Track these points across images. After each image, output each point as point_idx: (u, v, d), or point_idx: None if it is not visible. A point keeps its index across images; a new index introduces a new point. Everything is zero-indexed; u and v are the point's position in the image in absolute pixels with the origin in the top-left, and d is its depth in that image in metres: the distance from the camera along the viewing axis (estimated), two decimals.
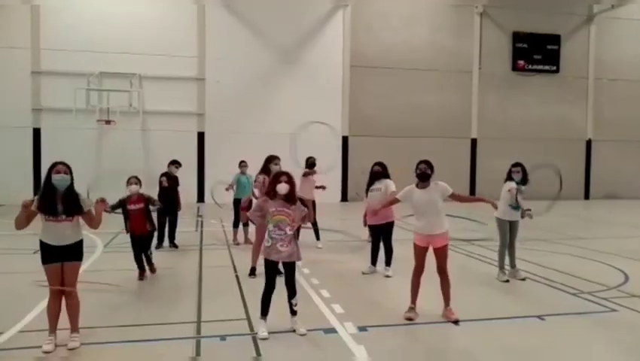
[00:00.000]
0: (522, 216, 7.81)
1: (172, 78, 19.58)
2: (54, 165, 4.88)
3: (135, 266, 7.65)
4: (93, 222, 5.02)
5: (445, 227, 5.86)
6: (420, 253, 5.94)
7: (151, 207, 7.89)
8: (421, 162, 5.94)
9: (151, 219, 7.84)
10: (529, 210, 7.44)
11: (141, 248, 7.63)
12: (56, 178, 4.80)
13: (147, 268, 7.78)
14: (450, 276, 5.98)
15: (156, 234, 8.95)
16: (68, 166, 4.91)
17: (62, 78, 18.45)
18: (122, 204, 7.57)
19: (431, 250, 5.92)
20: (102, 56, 18.74)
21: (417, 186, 5.93)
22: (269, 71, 20.52)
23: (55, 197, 4.80)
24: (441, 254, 5.88)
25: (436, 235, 5.81)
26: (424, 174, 5.87)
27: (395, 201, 6.40)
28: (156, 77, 19.35)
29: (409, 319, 5.78)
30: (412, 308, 5.90)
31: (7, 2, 18.35)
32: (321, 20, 21.09)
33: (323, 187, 10.54)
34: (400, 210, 7.90)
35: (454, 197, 6.03)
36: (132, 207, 7.55)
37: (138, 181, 7.68)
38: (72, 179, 4.90)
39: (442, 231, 5.83)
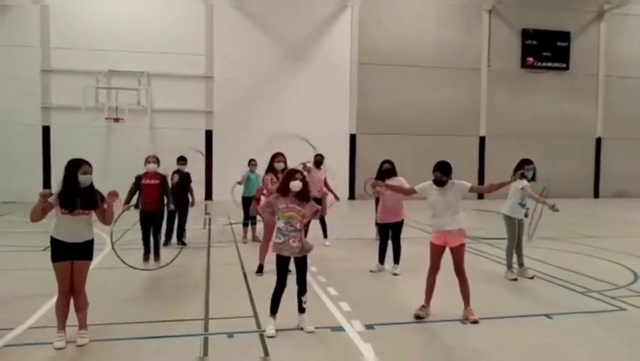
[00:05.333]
0: (526, 215, 7.77)
1: (180, 76, 19.66)
2: (79, 164, 4.89)
3: (140, 263, 7.66)
4: (106, 217, 5.04)
5: (461, 225, 5.79)
6: (436, 252, 5.86)
7: (167, 206, 7.93)
8: (437, 167, 5.81)
9: (169, 198, 7.81)
10: (554, 204, 7.34)
11: (150, 227, 7.55)
12: (83, 178, 4.86)
13: (152, 252, 7.71)
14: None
15: (164, 231, 8.98)
16: (90, 165, 4.99)
17: (71, 76, 18.58)
18: (137, 180, 7.56)
19: (447, 251, 5.85)
20: (111, 54, 18.85)
21: (435, 183, 5.86)
22: (277, 69, 20.53)
23: (77, 193, 4.85)
24: (458, 254, 5.79)
25: (451, 232, 5.74)
26: (439, 182, 5.79)
27: (412, 191, 6.21)
28: (165, 75, 19.44)
29: (418, 317, 5.73)
30: (424, 307, 5.84)
31: (17, 2, 18.47)
32: (329, 17, 21.07)
33: (335, 196, 10.46)
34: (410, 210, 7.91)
35: (474, 190, 5.96)
36: (146, 181, 7.54)
37: (157, 160, 7.74)
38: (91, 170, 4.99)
39: (458, 227, 5.76)
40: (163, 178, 7.73)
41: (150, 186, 7.56)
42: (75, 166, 4.89)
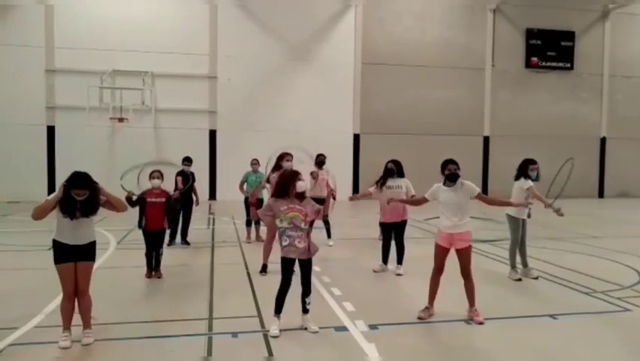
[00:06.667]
0: (529, 216, 7.74)
1: (184, 76, 19.69)
2: (74, 184, 4.74)
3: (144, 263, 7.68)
4: (116, 207, 5.02)
5: (468, 227, 5.78)
6: (440, 253, 5.85)
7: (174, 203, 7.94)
8: (449, 162, 5.82)
9: (170, 215, 7.80)
10: (559, 208, 7.28)
11: (153, 245, 7.60)
12: (77, 198, 4.77)
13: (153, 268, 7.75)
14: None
15: (168, 230, 8.99)
16: (87, 181, 4.79)
17: (75, 76, 18.63)
18: (141, 197, 7.51)
19: (453, 253, 5.84)
20: (115, 54, 18.90)
21: (444, 184, 5.87)
22: (280, 69, 20.55)
23: (75, 205, 4.79)
24: (464, 257, 5.78)
25: (458, 234, 5.73)
26: (454, 175, 5.79)
27: (424, 200, 6.20)
28: (169, 74, 19.47)
29: (421, 318, 5.74)
30: (427, 308, 5.84)
31: (22, 2, 18.54)
32: (333, 17, 21.06)
33: (333, 197, 10.41)
34: (415, 211, 7.90)
35: (480, 198, 5.95)
36: (152, 199, 7.47)
37: (161, 175, 7.69)
38: (92, 186, 4.83)
39: (465, 230, 5.75)
40: (168, 197, 7.69)
41: (155, 205, 7.50)
42: (70, 184, 4.75)
